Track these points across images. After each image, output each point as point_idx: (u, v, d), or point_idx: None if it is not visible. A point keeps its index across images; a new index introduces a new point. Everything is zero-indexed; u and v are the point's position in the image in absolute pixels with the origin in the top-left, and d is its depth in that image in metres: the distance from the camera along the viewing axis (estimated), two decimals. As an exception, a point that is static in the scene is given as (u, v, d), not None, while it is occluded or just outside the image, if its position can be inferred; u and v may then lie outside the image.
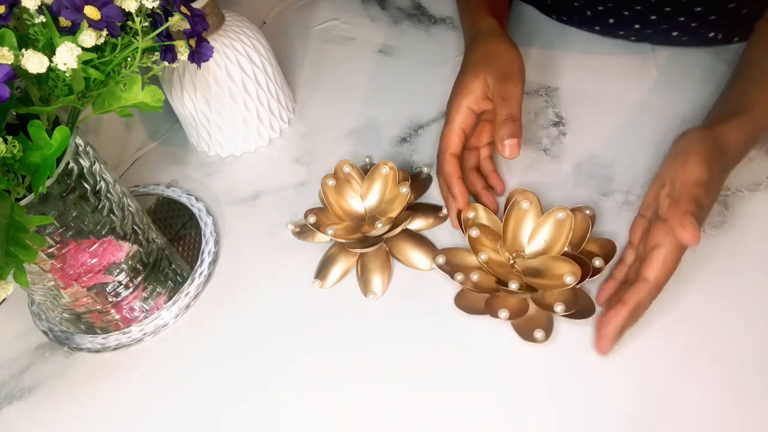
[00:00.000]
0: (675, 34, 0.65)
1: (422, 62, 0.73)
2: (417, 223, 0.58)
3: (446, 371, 0.49)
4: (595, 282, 0.51)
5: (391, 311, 0.53)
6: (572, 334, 0.49)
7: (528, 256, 0.52)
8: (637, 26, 0.65)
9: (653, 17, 0.64)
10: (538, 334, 0.48)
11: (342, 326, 0.53)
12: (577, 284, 0.48)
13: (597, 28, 0.69)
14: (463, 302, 0.51)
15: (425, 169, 0.62)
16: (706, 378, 0.45)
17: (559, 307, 0.47)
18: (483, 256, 0.50)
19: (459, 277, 0.50)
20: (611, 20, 0.66)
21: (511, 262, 0.52)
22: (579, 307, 0.48)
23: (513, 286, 0.48)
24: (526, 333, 0.49)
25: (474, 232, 0.52)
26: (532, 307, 0.50)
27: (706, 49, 0.65)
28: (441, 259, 0.53)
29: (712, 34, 0.64)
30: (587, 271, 0.49)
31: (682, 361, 0.47)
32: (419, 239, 0.57)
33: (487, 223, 0.54)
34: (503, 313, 0.48)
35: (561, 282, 0.48)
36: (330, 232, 0.54)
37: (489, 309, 0.49)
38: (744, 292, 0.49)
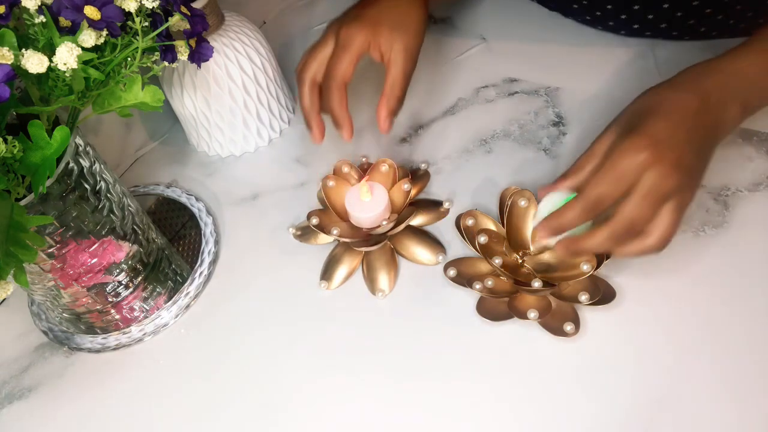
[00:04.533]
0: (663, 26, 0.65)
1: (422, 62, 0.72)
2: (419, 219, 0.58)
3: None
4: (606, 266, 0.50)
5: (402, 308, 0.53)
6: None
7: (534, 252, 0.52)
8: (623, 17, 0.65)
9: (648, 15, 0.64)
10: (568, 327, 0.48)
11: (353, 325, 0.53)
12: (593, 271, 0.48)
13: (588, 18, 0.69)
14: (484, 310, 0.51)
15: (423, 165, 0.62)
16: (705, 377, 0.45)
17: (583, 297, 0.47)
18: (498, 261, 0.50)
19: (478, 285, 0.50)
20: (598, 13, 0.66)
21: (520, 261, 0.52)
22: (602, 294, 0.48)
23: (536, 284, 0.48)
24: (555, 329, 0.48)
25: (482, 239, 0.52)
26: (554, 302, 0.50)
27: (706, 49, 0.65)
28: (452, 272, 0.53)
29: (703, 29, 0.64)
30: (600, 256, 0.49)
31: (681, 360, 0.47)
32: (422, 235, 0.57)
33: (488, 227, 0.54)
34: (533, 314, 0.48)
35: (577, 272, 0.48)
36: (335, 232, 0.54)
37: (514, 312, 0.49)
38: (744, 292, 0.49)
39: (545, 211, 0.47)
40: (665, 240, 0.44)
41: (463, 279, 0.52)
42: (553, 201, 0.47)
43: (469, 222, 0.54)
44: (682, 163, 0.43)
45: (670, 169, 0.43)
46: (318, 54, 0.58)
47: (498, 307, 0.50)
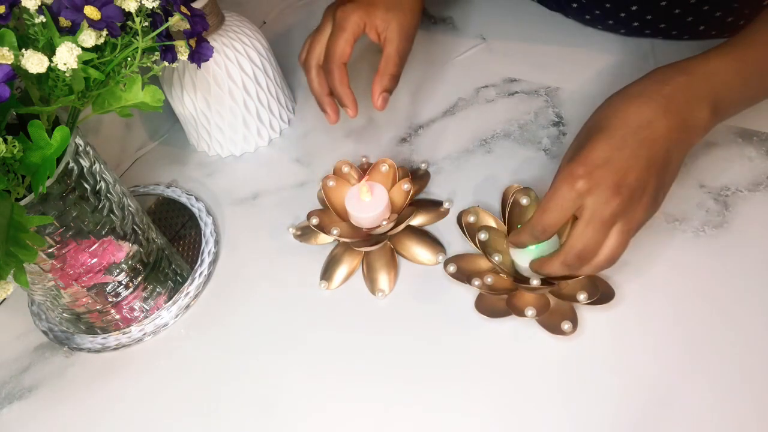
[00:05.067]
0: (662, 25, 0.65)
1: (422, 62, 0.73)
2: (419, 219, 0.58)
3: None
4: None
5: (402, 307, 0.53)
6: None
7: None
8: (623, 14, 0.65)
9: (648, 17, 0.64)
10: (566, 325, 0.48)
11: (353, 325, 0.53)
12: None
13: (587, 17, 0.69)
14: (483, 306, 0.51)
15: (423, 165, 0.62)
16: (705, 377, 0.46)
17: (582, 296, 0.47)
18: (497, 258, 0.50)
19: (477, 282, 0.50)
20: (597, 11, 0.66)
21: None
22: (600, 293, 0.48)
23: (535, 282, 0.48)
24: (552, 327, 0.48)
25: (483, 236, 0.52)
26: (552, 301, 0.50)
27: (706, 49, 0.65)
28: (452, 268, 0.53)
29: (702, 27, 0.64)
30: None
31: (680, 360, 0.47)
32: (422, 235, 0.57)
33: (489, 225, 0.54)
34: (530, 311, 0.48)
35: None
36: (335, 232, 0.54)
37: (512, 309, 0.49)
38: (744, 291, 0.49)
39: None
40: (611, 260, 0.45)
41: (463, 275, 0.52)
42: None
43: (471, 219, 0.54)
44: (623, 183, 0.43)
45: (609, 193, 0.43)
46: (319, 39, 0.59)
47: (497, 304, 0.51)
